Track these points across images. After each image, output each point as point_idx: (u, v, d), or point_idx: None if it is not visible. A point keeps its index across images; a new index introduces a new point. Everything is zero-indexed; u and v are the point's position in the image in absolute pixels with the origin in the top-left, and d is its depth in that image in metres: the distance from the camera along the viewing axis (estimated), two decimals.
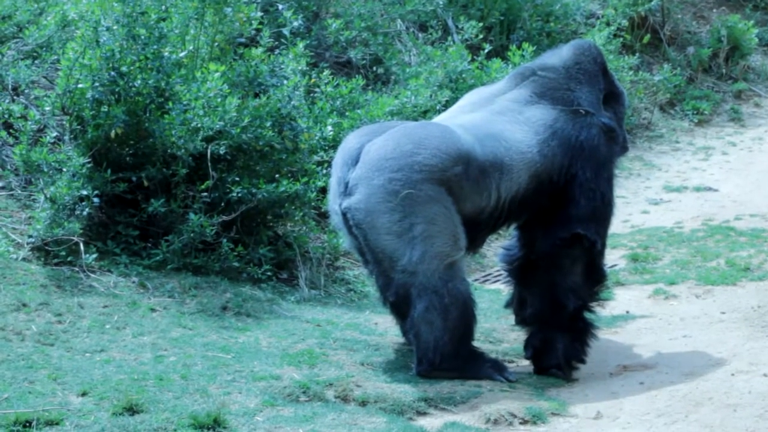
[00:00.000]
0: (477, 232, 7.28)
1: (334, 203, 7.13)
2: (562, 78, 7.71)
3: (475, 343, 7.34)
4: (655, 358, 7.46)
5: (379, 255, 6.96)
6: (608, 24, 14.85)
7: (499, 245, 9.83)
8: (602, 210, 7.47)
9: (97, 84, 8.35)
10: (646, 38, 16.37)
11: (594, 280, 7.53)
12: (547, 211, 7.46)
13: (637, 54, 15.59)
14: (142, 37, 8.48)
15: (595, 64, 7.83)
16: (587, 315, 7.49)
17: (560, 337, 7.34)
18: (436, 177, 6.92)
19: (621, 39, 15.22)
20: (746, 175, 13.25)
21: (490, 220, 7.30)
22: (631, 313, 8.63)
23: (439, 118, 7.84)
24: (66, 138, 8.59)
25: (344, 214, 6.98)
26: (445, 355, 6.96)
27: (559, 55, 7.87)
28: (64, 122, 8.68)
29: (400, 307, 7.09)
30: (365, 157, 6.98)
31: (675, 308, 8.73)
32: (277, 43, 10.13)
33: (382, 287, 7.17)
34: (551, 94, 7.63)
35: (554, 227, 7.38)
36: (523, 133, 7.40)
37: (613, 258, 10.08)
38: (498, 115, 7.51)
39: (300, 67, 9.43)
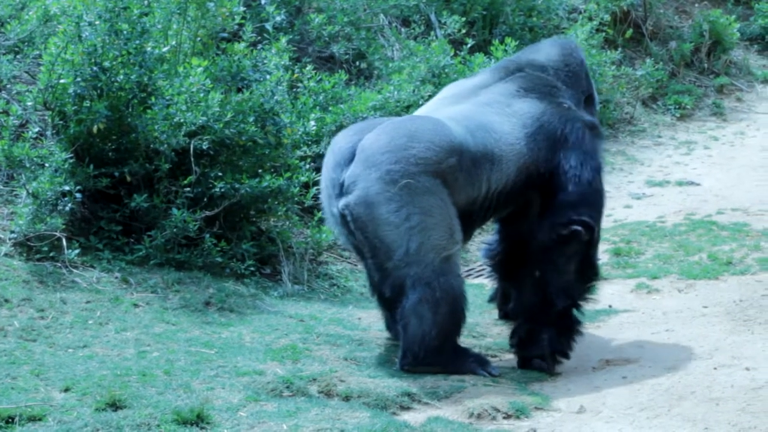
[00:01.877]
0: (469, 224, 7.31)
1: (329, 206, 7.09)
2: (550, 77, 7.82)
3: (459, 338, 7.36)
4: (637, 352, 7.47)
5: (377, 247, 6.94)
6: (590, 19, 14.89)
7: (482, 240, 9.85)
8: (592, 196, 7.45)
9: (79, 79, 8.33)
10: (629, 33, 16.42)
11: (587, 277, 7.55)
12: (533, 204, 7.49)
13: (620, 49, 15.63)
14: (125, 32, 8.46)
15: (581, 66, 7.96)
16: (576, 312, 7.48)
17: (546, 330, 7.34)
18: (431, 169, 6.96)
19: (603, 34, 15.27)
20: (728, 170, 13.29)
21: (480, 211, 7.34)
22: (613, 308, 8.65)
23: (421, 111, 7.85)
24: (48, 133, 8.57)
25: (342, 215, 6.96)
26: (430, 349, 6.94)
27: (547, 54, 7.95)
28: (47, 117, 8.66)
29: (393, 301, 7.07)
30: (360, 154, 6.96)
31: (657, 302, 8.75)
32: (259, 38, 10.12)
33: (378, 282, 7.15)
34: (540, 90, 7.70)
35: (549, 217, 7.36)
36: (511, 125, 7.45)
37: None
38: (486, 107, 7.55)
39: (283, 62, 9.42)
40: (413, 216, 6.87)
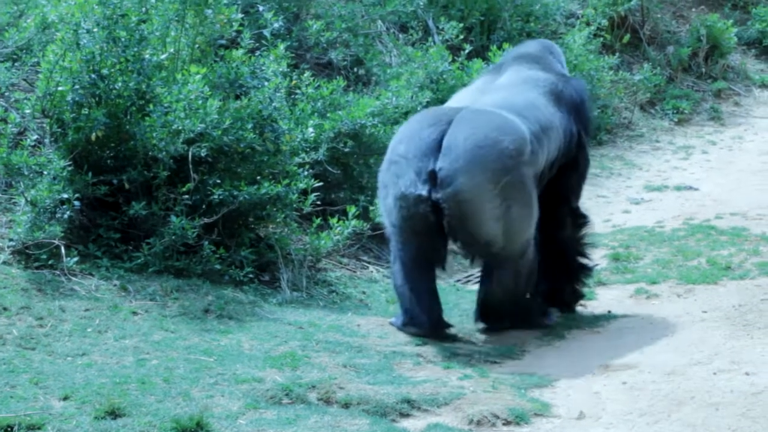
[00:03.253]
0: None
1: (414, 189, 7.58)
2: (545, 57, 8.89)
3: (457, 344, 7.71)
4: (637, 357, 7.47)
5: (477, 238, 7.69)
6: (588, 24, 14.90)
7: None
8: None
9: (77, 87, 8.33)
10: (626, 38, 16.42)
11: (579, 225, 8.71)
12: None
13: (617, 54, 15.65)
14: (123, 39, 8.46)
15: (559, 54, 9.15)
16: (581, 259, 8.71)
17: (565, 282, 8.68)
18: (521, 160, 7.70)
19: (601, 39, 15.27)
20: (726, 174, 13.30)
21: (539, 186, 8.12)
22: (612, 313, 8.65)
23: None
24: (46, 141, 8.56)
25: (434, 203, 7.52)
26: (508, 310, 8.07)
27: (531, 47, 9.13)
28: (45, 125, 8.65)
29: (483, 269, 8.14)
30: (455, 149, 7.55)
31: (657, 307, 8.74)
32: (257, 44, 10.12)
33: (466, 256, 8.30)
34: (543, 66, 8.73)
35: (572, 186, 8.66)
36: (542, 96, 8.40)
37: (594, 258, 10.09)
38: (513, 88, 8.42)
39: (281, 69, 9.41)
40: (511, 209, 7.63)
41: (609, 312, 8.69)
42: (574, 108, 8.50)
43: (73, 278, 7.91)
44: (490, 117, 7.81)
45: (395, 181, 7.72)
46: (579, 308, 8.80)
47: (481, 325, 8.17)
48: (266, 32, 9.94)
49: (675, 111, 15.80)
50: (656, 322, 8.33)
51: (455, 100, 8.57)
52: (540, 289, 8.47)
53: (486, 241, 7.68)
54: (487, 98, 8.25)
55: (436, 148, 7.59)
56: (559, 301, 8.67)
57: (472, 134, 7.58)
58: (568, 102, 8.48)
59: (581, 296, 8.79)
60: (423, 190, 7.53)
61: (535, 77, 8.54)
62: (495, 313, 8.09)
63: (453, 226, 7.60)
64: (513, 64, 8.75)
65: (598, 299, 9.05)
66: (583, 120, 8.59)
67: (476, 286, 9.37)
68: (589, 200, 10.89)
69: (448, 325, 8.07)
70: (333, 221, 9.21)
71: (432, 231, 7.68)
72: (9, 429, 5.53)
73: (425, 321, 7.94)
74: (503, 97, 8.25)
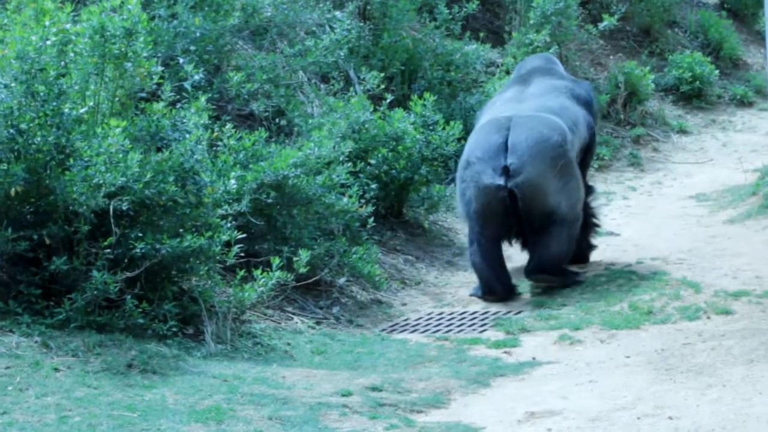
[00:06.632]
0: None
1: (493, 181, 10.09)
2: (554, 67, 11.59)
3: (383, 394, 7.68)
4: (561, 403, 7.51)
5: (545, 210, 10.21)
6: (508, 72, 15.03)
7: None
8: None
9: None
10: None
11: (589, 194, 11.25)
12: None
13: None
14: (41, 93, 8.39)
15: (559, 65, 11.88)
16: (593, 219, 11.40)
17: (581, 239, 11.02)
18: (568, 148, 10.34)
19: None
20: (647, 219, 13.45)
21: None
22: (537, 360, 8.69)
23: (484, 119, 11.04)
24: None
25: (510, 190, 10.04)
26: (557, 268, 10.44)
27: (535, 62, 11.79)
28: None
29: (537, 234, 10.42)
30: (519, 147, 10.12)
31: (580, 353, 8.80)
32: (178, 96, 10.09)
33: (527, 231, 10.53)
34: (557, 73, 11.44)
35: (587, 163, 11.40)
36: (568, 100, 10.93)
37: (517, 305, 10.18)
38: (544, 96, 10.89)
39: (202, 121, 9.37)
40: (567, 185, 10.28)
41: (533, 359, 8.73)
42: (587, 104, 11.08)
43: None
44: (538, 119, 10.37)
45: (476, 177, 10.21)
46: (504, 356, 8.83)
47: (534, 279, 10.53)
48: (187, 84, 9.92)
49: (596, 157, 15.95)
50: (580, 368, 8.38)
51: (498, 110, 10.87)
52: None
53: (551, 210, 10.19)
54: (528, 105, 10.73)
55: (504, 148, 10.14)
56: (577, 256, 11.01)
57: (529, 134, 10.16)
58: (583, 101, 11.06)
59: (593, 248, 11.42)
60: (501, 181, 10.04)
61: (558, 85, 11.08)
62: (550, 267, 10.37)
63: (526, 203, 10.08)
64: (536, 76, 11.24)
65: (523, 346, 9.09)
66: (593, 113, 11.25)
67: (400, 335, 9.42)
68: (510, 248, 10.98)
69: (517, 290, 10.54)
70: (257, 273, 9.17)
71: (507, 212, 10.15)
72: None
73: (500, 289, 10.40)
74: (540, 103, 10.72)
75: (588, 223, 11.15)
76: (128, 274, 8.36)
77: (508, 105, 10.93)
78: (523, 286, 10.71)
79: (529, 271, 10.47)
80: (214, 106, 10.80)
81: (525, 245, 10.96)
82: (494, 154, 10.15)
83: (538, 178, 10.09)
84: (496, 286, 10.40)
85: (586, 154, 11.15)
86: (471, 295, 10.55)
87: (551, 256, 10.34)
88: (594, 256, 11.51)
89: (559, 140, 10.24)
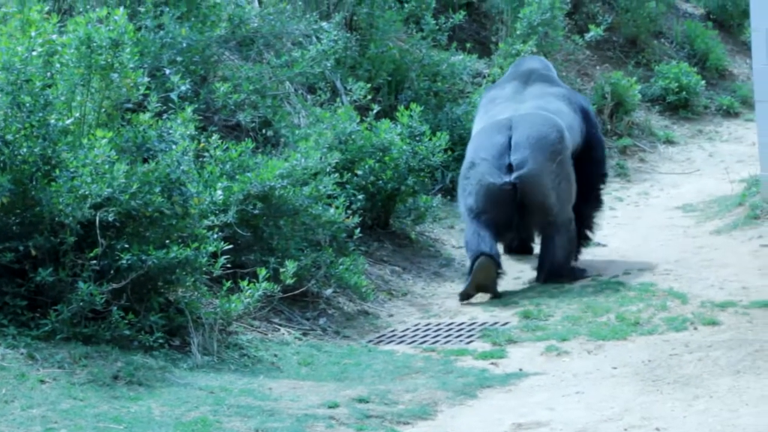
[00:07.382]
0: None
1: (500, 179, 10.68)
2: (549, 73, 12.04)
3: (370, 405, 7.66)
4: (548, 415, 7.51)
5: (539, 206, 10.84)
6: (494, 82, 15.03)
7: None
8: (604, 153, 12.42)
9: None
10: None
11: (595, 207, 12.09)
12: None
13: None
14: (27, 104, 8.38)
15: (553, 69, 12.41)
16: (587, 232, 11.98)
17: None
18: (565, 145, 11.00)
19: None
20: (633, 230, 13.46)
21: None
22: (524, 371, 8.68)
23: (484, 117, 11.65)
24: None
25: (513, 184, 10.63)
26: (565, 268, 11.18)
27: (532, 63, 12.29)
28: None
29: (543, 237, 11.20)
30: (522, 144, 10.77)
31: (567, 364, 8.80)
32: (164, 107, 10.07)
33: (532, 232, 11.49)
34: (554, 82, 11.91)
35: (593, 168, 11.83)
36: (564, 105, 11.51)
37: (504, 316, 10.16)
38: (543, 99, 11.44)
39: (189, 132, 9.36)
40: (563, 182, 10.95)
41: (520, 370, 8.72)
42: (584, 113, 11.68)
43: None
44: (538, 117, 11.05)
45: (481, 177, 10.77)
46: (491, 367, 8.83)
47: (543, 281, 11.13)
48: (173, 95, 9.91)
49: None
50: (567, 379, 8.38)
51: (498, 110, 11.37)
52: None
53: (548, 206, 10.83)
54: (527, 105, 11.29)
55: (508, 147, 10.77)
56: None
57: (531, 131, 10.82)
58: (579, 110, 11.63)
59: (589, 241, 12.05)
60: (506, 177, 10.65)
61: (554, 92, 11.61)
62: (559, 270, 11.09)
63: (526, 195, 10.69)
64: (536, 79, 11.75)
65: (510, 357, 9.08)
66: (591, 122, 11.82)
67: (388, 347, 9.42)
68: (505, 258, 11.03)
69: (499, 263, 10.91)
70: (243, 284, 9.15)
71: (510, 204, 10.73)
72: None
73: (488, 252, 10.64)
74: (539, 104, 11.29)
75: (579, 234, 11.60)
76: (114, 286, 8.34)
77: (508, 104, 11.43)
78: (508, 284, 10.73)
79: (542, 278, 11.16)
80: (200, 117, 10.79)
81: (522, 244, 12.04)
82: (498, 154, 10.78)
83: (538, 170, 10.70)
84: (485, 249, 10.65)
85: (590, 162, 11.66)
86: (460, 293, 10.85)
87: (559, 261, 11.10)
88: (580, 266, 11.50)
89: (557, 137, 10.89)
